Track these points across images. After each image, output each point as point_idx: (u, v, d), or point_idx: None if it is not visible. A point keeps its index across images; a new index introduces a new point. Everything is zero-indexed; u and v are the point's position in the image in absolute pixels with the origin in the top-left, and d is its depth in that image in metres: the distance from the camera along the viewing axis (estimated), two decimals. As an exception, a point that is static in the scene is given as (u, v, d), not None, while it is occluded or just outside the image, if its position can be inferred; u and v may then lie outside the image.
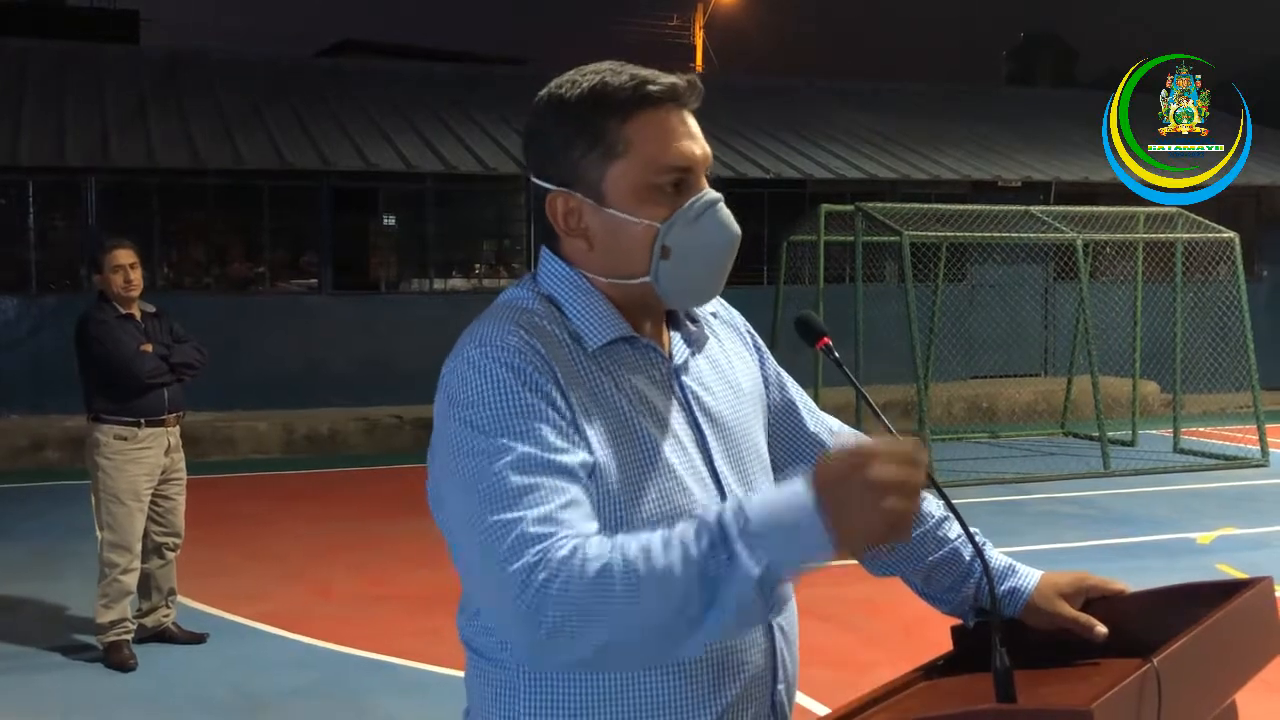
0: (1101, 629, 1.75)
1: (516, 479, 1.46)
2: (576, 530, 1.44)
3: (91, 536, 5.93)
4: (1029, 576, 1.84)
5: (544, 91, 1.65)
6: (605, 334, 1.62)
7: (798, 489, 1.37)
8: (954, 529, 1.88)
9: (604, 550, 1.40)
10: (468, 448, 1.50)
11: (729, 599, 1.36)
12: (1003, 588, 1.83)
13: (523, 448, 1.48)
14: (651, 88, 1.59)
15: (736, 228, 1.64)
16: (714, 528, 1.39)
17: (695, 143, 1.62)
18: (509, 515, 1.44)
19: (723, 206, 1.64)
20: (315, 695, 5.40)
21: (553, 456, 1.48)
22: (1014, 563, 1.86)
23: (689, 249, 1.61)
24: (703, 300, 1.71)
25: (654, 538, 1.41)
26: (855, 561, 1.97)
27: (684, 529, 1.41)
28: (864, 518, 1.34)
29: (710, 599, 1.37)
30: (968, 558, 1.87)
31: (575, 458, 1.50)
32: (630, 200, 1.59)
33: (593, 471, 1.53)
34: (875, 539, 1.36)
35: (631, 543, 1.41)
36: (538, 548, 1.41)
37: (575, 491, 1.48)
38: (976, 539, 1.76)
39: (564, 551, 1.40)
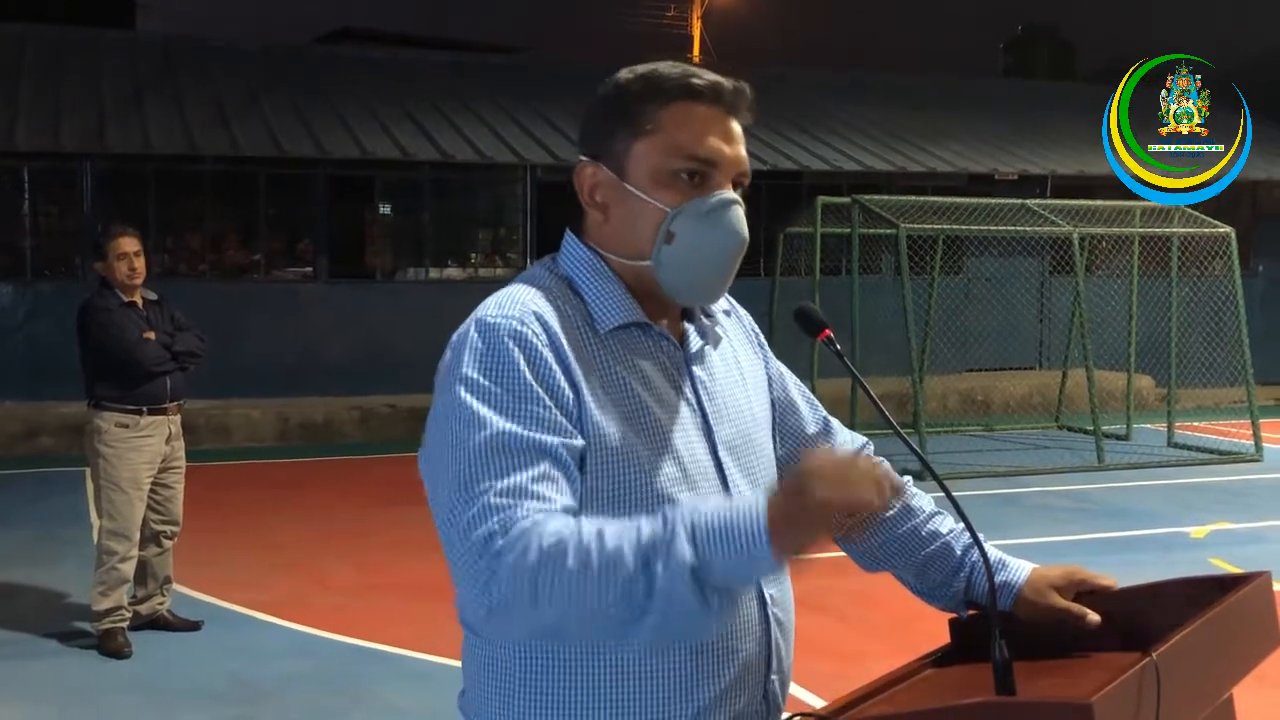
0: (1094, 616, 1.77)
1: (495, 451, 1.51)
2: (543, 503, 1.48)
3: (86, 523, 5.93)
4: (1020, 569, 1.86)
5: (608, 78, 1.72)
6: (618, 317, 1.65)
7: (753, 501, 1.44)
8: (945, 523, 1.90)
9: (562, 527, 1.45)
10: (458, 412, 1.55)
11: (668, 587, 1.40)
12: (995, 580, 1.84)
13: (508, 424, 1.52)
14: (695, 81, 1.64)
15: (745, 232, 1.66)
16: (659, 519, 1.44)
17: (727, 144, 1.65)
18: (478, 485, 1.49)
19: (737, 209, 1.65)
20: (312, 683, 5.40)
21: (537, 435, 1.52)
22: (1004, 556, 1.88)
23: (692, 241, 1.63)
24: (704, 299, 1.73)
25: (609, 523, 1.46)
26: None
27: (639, 520, 1.46)
28: (808, 530, 1.42)
29: (649, 587, 1.41)
30: (959, 552, 1.88)
31: (560, 440, 1.53)
32: (647, 180, 1.64)
33: (581, 458, 1.55)
34: (812, 544, 1.44)
35: (589, 524, 1.45)
36: (499, 517, 1.46)
37: (549, 467, 1.52)
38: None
39: (525, 524, 1.45)
